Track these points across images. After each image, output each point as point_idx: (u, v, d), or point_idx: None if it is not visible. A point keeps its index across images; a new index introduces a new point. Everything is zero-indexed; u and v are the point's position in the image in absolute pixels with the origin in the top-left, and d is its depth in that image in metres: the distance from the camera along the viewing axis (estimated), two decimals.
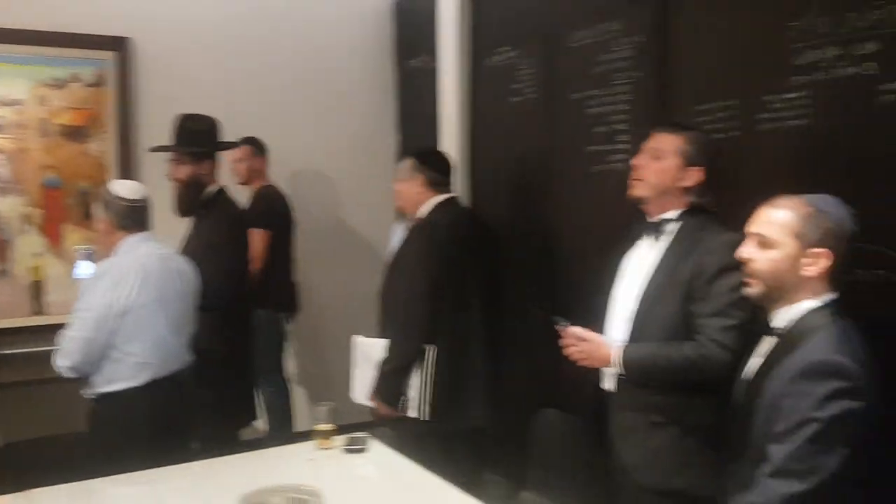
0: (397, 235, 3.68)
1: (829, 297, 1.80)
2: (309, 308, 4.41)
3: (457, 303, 2.99)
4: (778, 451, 1.67)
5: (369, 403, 3.05)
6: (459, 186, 3.85)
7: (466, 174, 3.98)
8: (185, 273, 2.76)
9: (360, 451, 2.44)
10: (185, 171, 3.16)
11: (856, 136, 2.21)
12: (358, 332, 3.25)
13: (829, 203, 1.80)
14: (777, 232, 1.80)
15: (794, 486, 1.64)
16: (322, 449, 2.43)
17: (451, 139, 3.99)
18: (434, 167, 3.13)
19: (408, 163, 3.17)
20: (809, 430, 1.63)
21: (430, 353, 2.93)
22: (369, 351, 3.06)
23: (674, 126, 2.34)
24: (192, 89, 4.08)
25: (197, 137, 3.17)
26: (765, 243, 1.81)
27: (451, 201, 3.13)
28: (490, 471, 3.17)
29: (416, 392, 2.95)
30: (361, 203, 4.71)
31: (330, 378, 4.36)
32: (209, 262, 2.92)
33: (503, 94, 3.72)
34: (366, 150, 4.71)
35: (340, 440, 2.47)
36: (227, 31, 4.32)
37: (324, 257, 4.58)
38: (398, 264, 3.11)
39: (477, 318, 3.07)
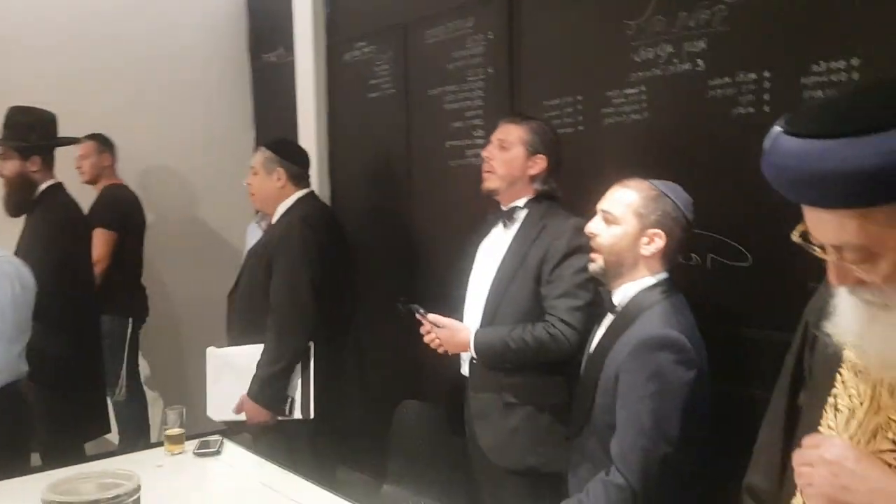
0: (253, 234, 3.57)
1: (662, 275, 1.91)
2: (164, 312, 4.22)
3: (331, 298, 2.90)
4: (626, 429, 1.75)
5: (236, 417, 2.85)
6: (319, 183, 3.80)
7: (325, 171, 3.93)
8: (24, 277, 2.55)
9: (214, 454, 2.35)
10: (11, 167, 2.95)
11: (689, 128, 2.35)
12: (216, 336, 3.09)
13: (671, 189, 1.92)
14: (621, 210, 1.89)
15: (645, 460, 1.72)
16: (172, 454, 2.33)
17: (309, 135, 3.93)
18: (293, 160, 2.97)
19: (263, 155, 2.96)
20: (649, 401, 1.72)
21: (312, 350, 2.81)
22: (233, 360, 2.86)
23: (517, 116, 2.41)
24: (35, 82, 3.79)
25: (24, 131, 2.95)
26: (610, 220, 1.91)
27: (311, 196, 3.04)
28: (354, 466, 3.13)
29: (299, 392, 2.82)
30: (216, 202, 4.55)
31: (188, 384, 4.18)
32: (35, 264, 2.67)
33: (361, 89, 3.70)
34: (220, 146, 4.55)
35: (192, 444, 2.37)
36: (74, 22, 4.06)
37: (178, 259, 4.39)
38: (263, 263, 2.94)
39: (345, 314, 3.03)
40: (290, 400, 2.77)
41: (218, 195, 4.51)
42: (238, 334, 2.92)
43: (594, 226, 1.94)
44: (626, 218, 1.88)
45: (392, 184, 3.58)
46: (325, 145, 3.94)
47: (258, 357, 2.76)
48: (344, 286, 3.00)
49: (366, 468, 3.14)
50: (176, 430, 2.34)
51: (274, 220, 2.98)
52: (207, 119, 4.53)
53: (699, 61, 2.31)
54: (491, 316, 2.30)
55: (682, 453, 1.75)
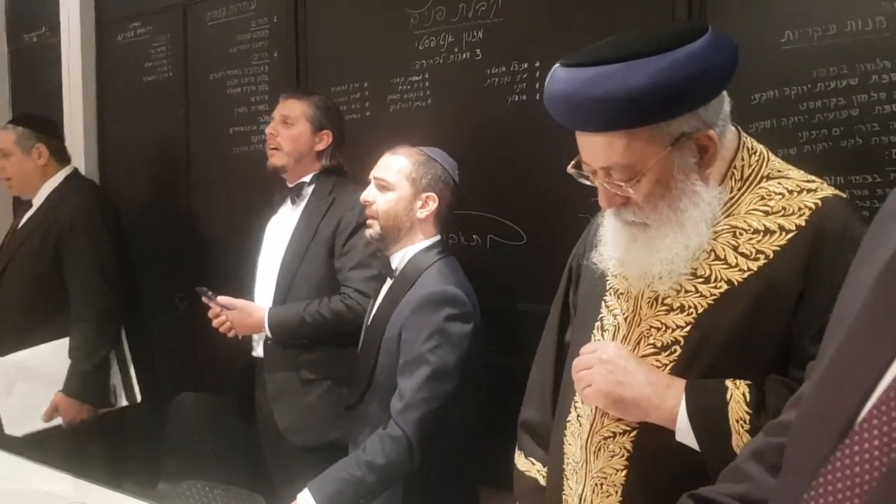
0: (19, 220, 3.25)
1: (436, 237, 2.01)
2: None
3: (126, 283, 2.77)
4: (407, 383, 1.81)
5: (46, 425, 2.61)
6: (86, 172, 3.53)
7: (94, 159, 3.67)
8: None
9: None
10: None
11: (469, 115, 2.48)
12: None
13: (437, 153, 2.04)
14: (394, 176, 1.97)
15: (422, 411, 1.78)
16: None
17: (76, 122, 3.64)
18: (51, 133, 2.75)
19: (15, 133, 2.70)
20: (430, 355, 1.80)
21: (123, 332, 2.70)
22: (27, 366, 2.61)
23: (298, 91, 2.42)
24: None
25: None
26: (384, 187, 1.97)
27: (79, 174, 2.82)
28: (133, 464, 2.93)
29: (119, 378, 2.69)
30: None
31: None
32: None
33: (136, 72, 3.51)
34: None
35: None
36: None
37: None
38: (45, 252, 2.66)
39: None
40: (114, 387, 2.67)
41: None
42: (19, 336, 2.65)
43: (369, 194, 1.99)
44: (400, 183, 1.96)
45: (170, 171, 3.42)
46: (93, 133, 3.67)
47: (61, 353, 2.58)
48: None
49: (147, 465, 2.95)
50: None
51: (37, 202, 2.73)
52: None
53: (478, 51, 2.45)
54: (284, 293, 2.28)
55: (457, 406, 1.85)
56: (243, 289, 2.48)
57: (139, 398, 2.72)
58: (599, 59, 1.05)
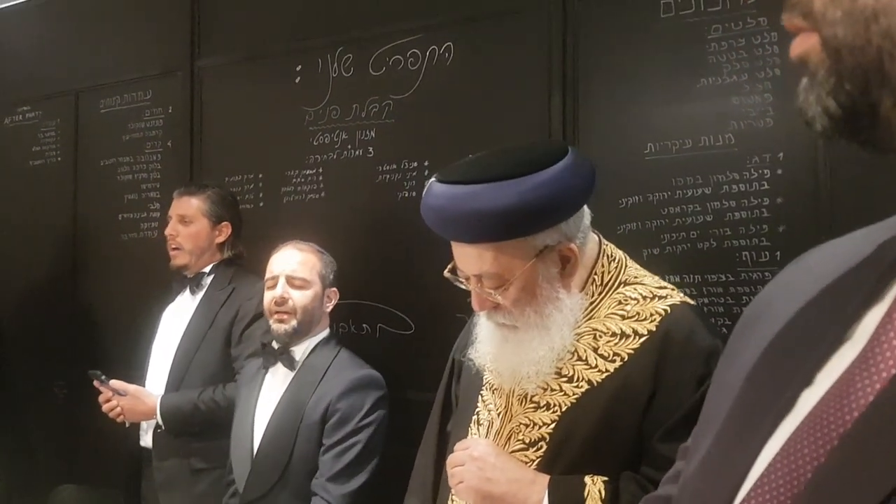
0: None
1: (328, 329, 2.12)
2: None
3: None
4: (337, 461, 1.89)
5: None
6: None
7: None
8: None
9: None
10: None
11: (361, 209, 2.57)
12: None
13: (324, 249, 2.15)
14: (310, 274, 2.06)
15: (353, 485, 1.88)
16: None
17: None
18: None
19: None
20: (364, 435, 1.91)
21: None
22: None
23: (191, 187, 2.46)
24: None
25: None
26: (299, 285, 2.05)
27: None
28: None
29: None
30: None
31: None
32: None
33: (23, 155, 3.44)
34: None
35: None
36: None
37: None
38: None
39: None
40: None
41: None
42: None
43: (285, 291, 2.05)
44: (314, 280, 2.06)
45: (54, 256, 3.33)
46: None
47: None
48: None
49: None
50: None
51: None
52: None
53: (370, 148, 2.56)
54: (177, 381, 2.27)
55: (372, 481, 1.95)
56: (130, 376, 2.42)
57: None
58: (470, 178, 1.15)
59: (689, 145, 2.03)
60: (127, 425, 2.30)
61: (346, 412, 1.94)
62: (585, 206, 1.28)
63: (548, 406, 1.24)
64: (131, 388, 2.24)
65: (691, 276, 1.97)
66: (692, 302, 1.30)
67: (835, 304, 0.62)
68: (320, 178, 2.67)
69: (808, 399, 0.59)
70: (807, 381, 0.60)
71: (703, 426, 0.72)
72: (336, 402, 1.95)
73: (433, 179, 1.22)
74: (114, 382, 2.24)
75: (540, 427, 1.24)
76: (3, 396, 2.77)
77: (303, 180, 2.70)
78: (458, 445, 1.28)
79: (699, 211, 2.01)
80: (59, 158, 3.35)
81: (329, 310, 2.10)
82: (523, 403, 1.27)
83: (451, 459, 1.28)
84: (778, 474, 0.57)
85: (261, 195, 2.80)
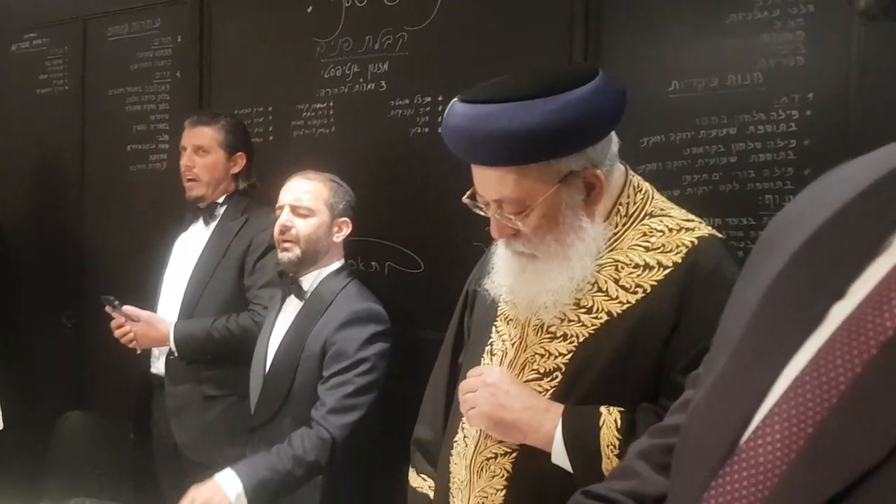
0: None
1: (342, 261, 2.09)
2: None
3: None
4: (335, 392, 1.87)
5: None
6: None
7: None
8: None
9: None
10: None
11: (372, 144, 2.51)
12: None
13: (341, 180, 2.10)
14: (314, 202, 2.01)
15: (350, 417, 1.86)
16: None
17: None
18: None
19: None
20: (360, 368, 1.87)
21: None
22: None
23: (204, 117, 2.40)
24: None
25: None
26: (304, 213, 2.00)
27: None
28: (11, 486, 2.78)
29: None
30: None
31: None
32: None
33: (30, 83, 3.38)
34: None
35: None
36: None
37: None
38: None
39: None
40: None
41: None
42: None
43: (288, 219, 2.01)
44: (319, 209, 2.01)
45: (62, 186, 3.29)
46: None
47: None
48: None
49: (26, 485, 2.79)
50: None
51: None
52: None
53: (382, 82, 2.49)
54: (191, 308, 2.27)
55: (371, 417, 1.93)
56: (139, 305, 2.40)
57: (1, 425, 2.54)
58: (496, 97, 1.10)
59: (715, 83, 1.96)
60: (138, 352, 2.30)
61: (342, 346, 1.91)
62: (613, 133, 1.22)
63: (564, 336, 1.20)
64: (144, 313, 2.23)
65: (712, 218, 1.91)
66: (720, 235, 1.26)
67: (870, 210, 0.57)
68: (331, 112, 2.61)
69: (840, 312, 0.54)
70: (838, 293, 0.55)
71: (716, 349, 0.68)
72: (333, 334, 1.92)
73: (455, 100, 1.17)
74: (127, 308, 2.22)
75: (555, 357, 1.20)
76: (12, 326, 2.75)
77: (313, 114, 2.64)
78: (472, 372, 1.25)
79: (722, 152, 1.94)
80: (66, 87, 3.29)
81: (339, 240, 2.06)
82: (539, 333, 1.23)
83: (463, 385, 1.25)
84: (806, 388, 0.52)
85: (270, 129, 2.74)
